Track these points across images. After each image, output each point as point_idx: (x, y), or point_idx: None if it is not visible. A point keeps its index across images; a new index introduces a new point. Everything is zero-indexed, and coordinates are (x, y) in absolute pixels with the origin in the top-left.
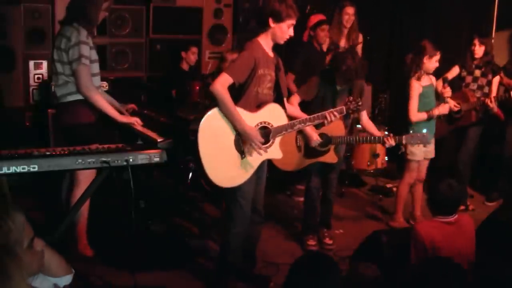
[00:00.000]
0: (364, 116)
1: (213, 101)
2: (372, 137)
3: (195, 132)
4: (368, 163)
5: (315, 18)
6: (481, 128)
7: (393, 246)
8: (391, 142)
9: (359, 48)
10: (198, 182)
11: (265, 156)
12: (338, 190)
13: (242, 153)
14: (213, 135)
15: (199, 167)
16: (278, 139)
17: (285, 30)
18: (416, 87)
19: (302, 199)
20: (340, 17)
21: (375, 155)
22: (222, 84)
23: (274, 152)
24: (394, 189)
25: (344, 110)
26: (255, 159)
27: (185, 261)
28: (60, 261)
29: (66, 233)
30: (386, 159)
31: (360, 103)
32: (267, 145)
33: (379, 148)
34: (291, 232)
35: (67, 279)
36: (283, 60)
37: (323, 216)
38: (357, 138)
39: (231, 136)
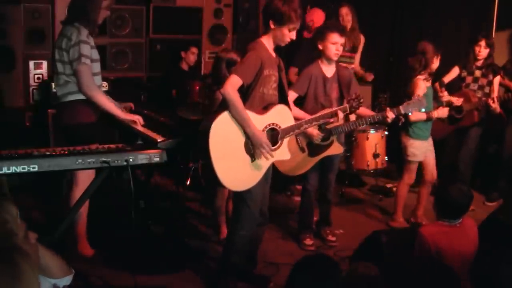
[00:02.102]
0: None
1: (210, 101)
2: (372, 117)
3: (206, 135)
4: (368, 163)
5: (319, 17)
6: (482, 128)
7: (393, 246)
8: (391, 114)
9: (359, 49)
10: (198, 182)
11: (274, 158)
12: (338, 190)
13: (252, 156)
14: (224, 139)
15: (210, 171)
16: (286, 140)
17: (286, 33)
18: (422, 87)
19: None
20: (337, 20)
21: (375, 155)
22: (233, 87)
23: (283, 153)
24: (394, 189)
25: (348, 109)
26: (265, 161)
27: (185, 261)
28: (60, 262)
29: (66, 233)
30: (386, 159)
31: (361, 100)
32: (276, 147)
33: (379, 148)
34: (291, 233)
35: (67, 280)
36: (284, 55)
37: (323, 216)
38: (357, 123)
39: (241, 139)
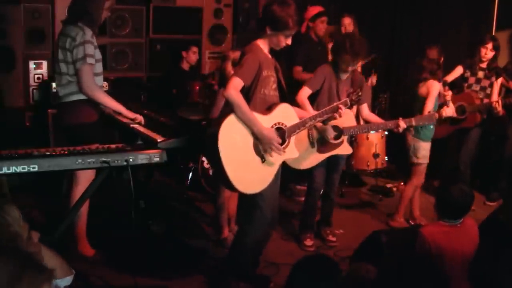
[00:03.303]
0: (365, 109)
1: (212, 100)
2: (384, 125)
3: (214, 140)
4: (368, 163)
5: (314, 10)
6: (482, 129)
7: (393, 246)
8: (403, 125)
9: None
10: (198, 182)
11: (284, 156)
12: (338, 190)
13: (262, 157)
14: (233, 143)
15: (222, 176)
16: (293, 138)
17: (281, 39)
18: (437, 88)
19: (302, 199)
20: (339, 29)
21: (375, 155)
22: (235, 89)
23: (291, 151)
24: (394, 189)
25: (348, 102)
26: (275, 161)
27: (185, 261)
28: (61, 262)
29: (66, 233)
30: (386, 159)
31: (360, 93)
32: (284, 145)
33: (379, 148)
34: (291, 232)
35: (68, 280)
36: (285, 54)
37: (324, 215)
38: (369, 127)
39: (250, 141)
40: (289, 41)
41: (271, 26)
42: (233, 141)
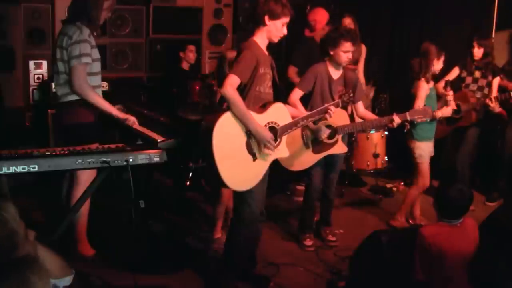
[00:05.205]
0: (360, 107)
1: (210, 101)
2: (378, 121)
3: (209, 136)
4: (368, 163)
5: (323, 17)
6: (480, 129)
7: (393, 246)
8: (397, 119)
9: (361, 60)
10: (198, 182)
11: (274, 156)
12: (338, 190)
13: (253, 155)
14: (227, 139)
15: (213, 172)
16: (284, 138)
17: (279, 28)
18: (425, 88)
19: (302, 199)
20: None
21: (375, 155)
22: (232, 86)
23: (282, 151)
24: (394, 189)
25: (340, 103)
26: (266, 160)
27: (185, 261)
28: (60, 262)
29: (66, 233)
30: (386, 159)
31: (352, 94)
32: (276, 144)
33: (379, 148)
34: (291, 233)
35: (67, 280)
36: (285, 54)
37: (323, 215)
38: (363, 125)
39: (243, 139)
40: (285, 30)
41: (270, 14)
42: (227, 138)
